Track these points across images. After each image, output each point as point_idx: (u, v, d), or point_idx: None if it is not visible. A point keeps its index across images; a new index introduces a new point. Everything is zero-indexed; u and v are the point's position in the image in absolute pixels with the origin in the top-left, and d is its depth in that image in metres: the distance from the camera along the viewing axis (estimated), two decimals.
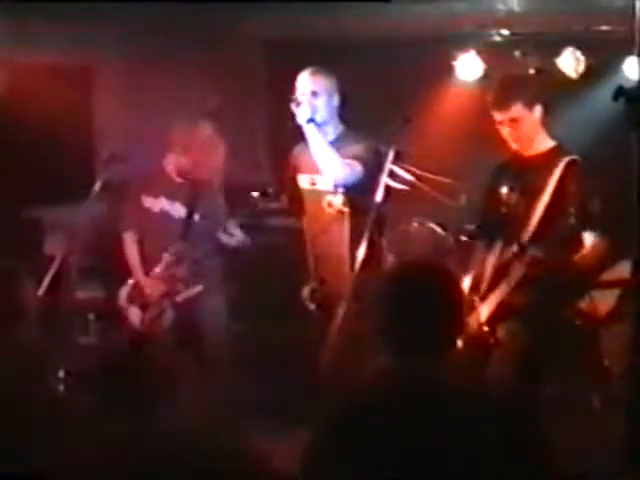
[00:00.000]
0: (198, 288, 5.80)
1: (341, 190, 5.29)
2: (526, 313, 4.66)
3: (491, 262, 4.81)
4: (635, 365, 3.48)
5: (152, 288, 5.78)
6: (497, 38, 6.83)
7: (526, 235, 4.63)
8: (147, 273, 5.83)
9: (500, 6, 6.47)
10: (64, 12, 6.15)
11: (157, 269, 5.77)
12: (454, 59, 6.96)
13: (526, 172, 4.81)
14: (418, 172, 4.93)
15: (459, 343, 4.57)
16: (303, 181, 5.51)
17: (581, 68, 6.65)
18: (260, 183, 6.66)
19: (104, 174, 5.67)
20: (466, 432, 2.71)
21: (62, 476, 2.72)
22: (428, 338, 2.88)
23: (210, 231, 5.72)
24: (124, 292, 5.90)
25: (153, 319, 5.78)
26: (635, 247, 3.28)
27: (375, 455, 2.71)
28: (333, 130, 5.39)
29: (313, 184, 5.46)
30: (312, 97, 5.32)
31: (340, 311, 5.06)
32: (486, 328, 4.66)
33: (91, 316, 6.71)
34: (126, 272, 5.97)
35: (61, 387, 5.89)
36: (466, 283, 4.77)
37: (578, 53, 6.65)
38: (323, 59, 5.64)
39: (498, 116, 4.79)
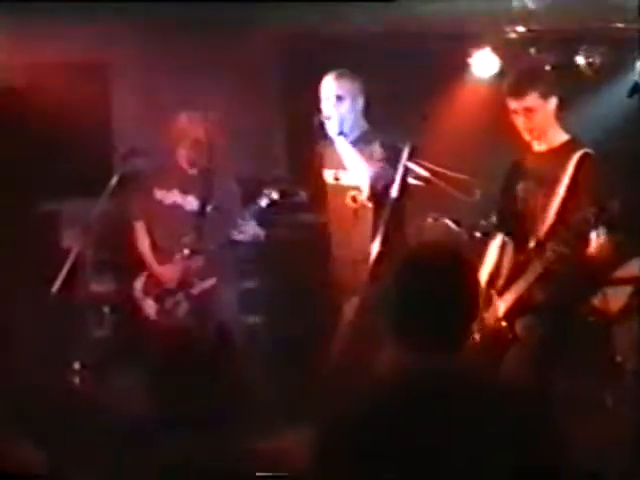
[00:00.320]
0: (212, 280, 5.82)
1: (368, 187, 5.30)
2: (543, 309, 4.68)
3: (508, 257, 4.82)
4: None
5: (167, 276, 5.79)
6: (513, 35, 6.82)
7: (543, 230, 4.64)
8: (162, 264, 5.85)
9: (516, 3, 6.46)
10: (83, 8, 6.17)
11: (171, 262, 5.78)
12: (470, 56, 6.96)
13: (541, 167, 4.83)
14: (433, 168, 4.95)
15: (477, 337, 4.62)
16: (327, 176, 5.53)
17: (596, 65, 6.64)
18: (277, 179, 6.68)
19: (121, 168, 5.70)
20: (480, 428, 2.71)
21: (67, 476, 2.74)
22: (444, 328, 2.87)
23: (224, 223, 5.72)
24: (139, 283, 5.92)
25: (168, 311, 5.80)
26: None
27: (389, 452, 2.70)
28: (358, 129, 5.41)
29: (337, 179, 5.48)
30: (337, 102, 5.31)
31: (355, 305, 5.09)
32: (504, 323, 4.68)
33: (106, 309, 6.74)
34: (141, 265, 6.00)
35: (76, 379, 5.96)
36: (483, 278, 4.78)
37: (593, 50, 6.65)
38: (339, 57, 5.65)
39: (513, 104, 4.80)
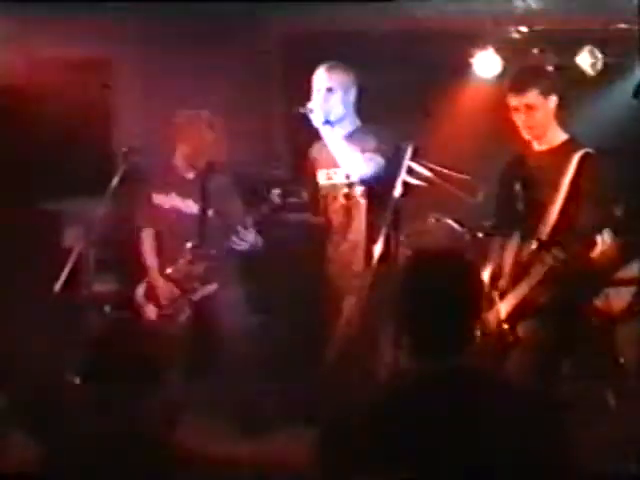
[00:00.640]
0: (214, 286, 5.78)
1: (360, 182, 5.29)
2: (545, 310, 4.67)
3: (509, 258, 4.82)
4: None
5: (166, 291, 5.77)
6: (515, 35, 6.81)
7: (544, 231, 4.63)
8: (163, 272, 5.82)
9: (518, 3, 6.45)
10: (84, 6, 6.17)
11: (172, 269, 5.76)
12: (472, 56, 6.95)
13: (540, 167, 4.83)
14: (436, 168, 4.94)
15: (478, 339, 4.61)
16: (321, 177, 5.51)
17: (599, 66, 6.63)
18: (279, 179, 6.68)
19: (123, 167, 5.68)
20: (484, 429, 2.71)
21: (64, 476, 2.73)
22: (447, 332, 2.87)
23: (226, 228, 5.68)
24: (141, 289, 5.90)
25: (169, 315, 5.78)
26: None
27: (392, 455, 2.70)
28: (350, 124, 5.39)
29: (329, 178, 5.46)
30: (327, 93, 5.29)
31: (352, 304, 5.09)
32: (506, 325, 4.67)
33: (107, 308, 6.73)
34: (142, 266, 5.98)
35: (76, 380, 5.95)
36: (485, 279, 4.77)
37: (596, 50, 6.64)
38: (341, 54, 5.63)
39: (514, 101, 4.81)
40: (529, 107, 4.78)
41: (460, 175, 5.04)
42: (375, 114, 5.57)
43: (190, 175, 5.84)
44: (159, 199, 5.88)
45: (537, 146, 4.90)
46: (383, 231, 4.82)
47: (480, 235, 5.60)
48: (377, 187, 5.19)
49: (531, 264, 4.66)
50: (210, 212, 5.75)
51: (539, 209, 4.73)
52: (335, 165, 5.37)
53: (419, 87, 6.58)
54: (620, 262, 5.58)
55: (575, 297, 4.83)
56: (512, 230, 4.88)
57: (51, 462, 2.83)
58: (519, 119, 4.84)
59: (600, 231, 4.44)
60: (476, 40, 6.89)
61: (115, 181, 5.58)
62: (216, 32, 6.99)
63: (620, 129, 6.12)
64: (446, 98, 6.96)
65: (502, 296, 4.74)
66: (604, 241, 4.45)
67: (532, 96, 4.78)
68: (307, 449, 2.93)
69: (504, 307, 4.71)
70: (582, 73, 6.63)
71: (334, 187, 5.43)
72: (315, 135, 5.39)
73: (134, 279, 6.04)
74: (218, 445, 5.12)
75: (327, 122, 5.25)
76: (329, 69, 5.35)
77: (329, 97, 5.29)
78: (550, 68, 6.33)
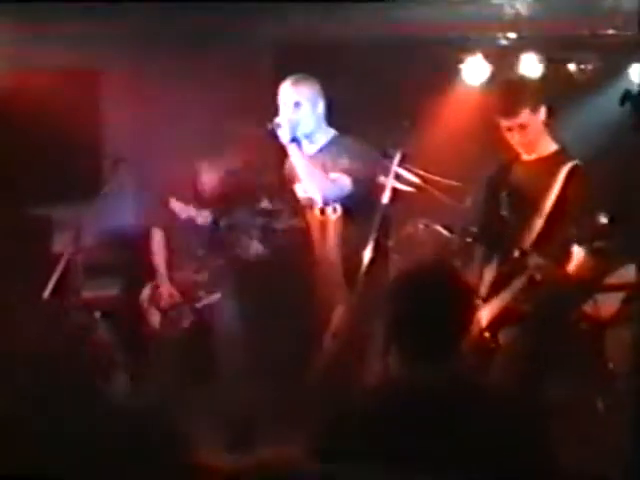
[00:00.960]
0: (217, 296, 5.81)
1: (318, 198, 5.25)
2: (529, 318, 4.67)
3: (492, 266, 4.83)
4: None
5: (172, 295, 5.79)
6: (504, 42, 6.83)
7: (528, 241, 4.64)
8: (169, 276, 5.85)
9: (507, 9, 6.46)
10: (72, 14, 6.15)
11: (179, 275, 5.79)
12: (461, 62, 6.96)
13: (528, 176, 4.83)
14: (424, 174, 4.94)
15: (462, 347, 4.61)
16: (298, 190, 5.48)
17: (588, 72, 6.65)
18: (269, 187, 6.67)
19: (112, 176, 5.69)
20: (470, 438, 2.71)
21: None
22: (435, 341, 2.88)
23: (233, 240, 5.70)
24: (146, 292, 5.91)
25: (172, 321, 5.80)
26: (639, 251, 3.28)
27: (381, 461, 2.70)
28: (323, 136, 5.31)
29: (305, 192, 5.41)
30: (295, 108, 5.21)
31: (336, 315, 5.09)
32: (487, 333, 4.67)
33: (97, 314, 6.73)
34: (148, 268, 6.01)
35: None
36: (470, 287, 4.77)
37: (585, 57, 6.66)
38: (329, 62, 5.62)
39: (506, 122, 4.80)
40: (522, 126, 4.77)
41: (448, 181, 5.06)
42: (363, 121, 5.56)
43: (206, 188, 5.87)
44: (177, 206, 5.88)
45: (526, 155, 4.90)
46: (372, 237, 4.82)
47: (469, 241, 5.60)
48: (350, 204, 5.16)
49: (513, 272, 4.66)
50: (222, 225, 5.76)
51: (524, 218, 4.73)
52: None
53: (407, 93, 6.59)
54: (609, 268, 5.60)
55: (559, 305, 4.83)
56: (496, 238, 4.89)
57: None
58: (512, 138, 4.82)
59: (583, 242, 4.42)
60: (465, 46, 6.91)
61: (106, 189, 5.58)
62: (208, 42, 6.99)
63: (608, 137, 6.14)
64: (435, 104, 6.98)
65: (484, 304, 4.74)
66: (578, 254, 4.43)
67: (524, 116, 4.77)
68: (299, 457, 2.93)
69: (486, 315, 4.71)
70: (571, 79, 6.65)
71: (310, 201, 5.40)
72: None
73: (127, 285, 6.06)
74: (216, 454, 5.10)
75: (294, 139, 5.17)
76: (295, 83, 5.24)
77: (297, 111, 5.20)
78: (538, 75, 6.36)
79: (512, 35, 6.75)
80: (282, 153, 5.39)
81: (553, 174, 4.65)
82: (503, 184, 4.92)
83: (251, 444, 5.56)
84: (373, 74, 6.77)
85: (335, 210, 5.23)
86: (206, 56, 7.00)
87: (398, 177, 4.86)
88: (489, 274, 4.81)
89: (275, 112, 5.21)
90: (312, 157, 5.25)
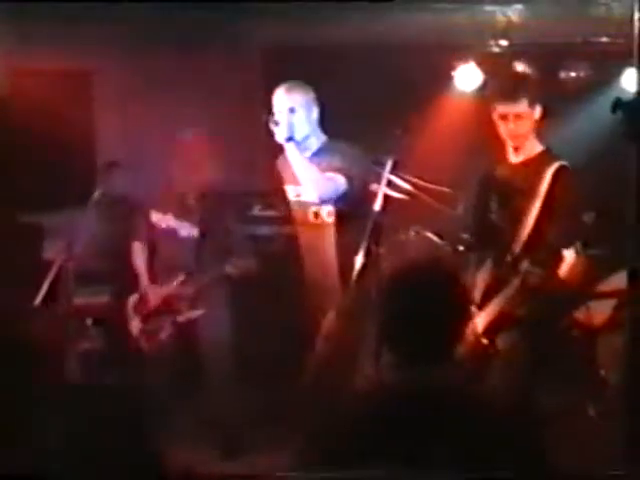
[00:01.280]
0: (200, 312, 5.73)
1: (326, 202, 5.26)
2: (523, 323, 4.68)
3: (485, 272, 4.83)
4: (631, 375, 3.49)
5: (155, 298, 5.74)
6: (496, 48, 6.84)
7: (518, 245, 4.65)
8: (153, 287, 5.80)
9: (500, 16, 6.48)
10: (66, 15, 6.15)
11: (163, 287, 5.73)
12: (453, 69, 6.97)
13: (516, 179, 4.84)
14: (416, 181, 4.94)
15: (458, 353, 4.61)
16: (289, 192, 5.48)
17: (580, 79, 6.67)
18: (259, 191, 6.67)
19: (103, 181, 5.67)
20: (462, 443, 2.71)
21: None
22: (430, 345, 2.87)
23: (219, 255, 5.64)
24: (132, 301, 5.87)
25: (151, 333, 5.75)
26: (631, 258, 3.29)
27: (373, 465, 2.70)
28: (316, 142, 5.33)
29: (298, 195, 5.41)
30: (290, 114, 5.22)
31: (329, 320, 5.09)
32: (484, 339, 4.67)
33: (88, 321, 6.72)
34: (127, 278, 5.98)
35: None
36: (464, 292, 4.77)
37: (577, 64, 6.68)
38: (321, 67, 5.62)
39: (503, 109, 4.79)
40: (518, 116, 4.78)
41: (440, 188, 5.06)
42: (355, 127, 5.56)
43: (192, 201, 5.79)
44: (156, 217, 5.84)
45: (513, 158, 4.91)
46: (363, 244, 4.82)
47: (460, 248, 5.60)
48: (345, 205, 5.17)
49: (506, 277, 4.67)
50: (207, 237, 5.71)
51: (514, 221, 4.75)
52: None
53: (400, 100, 6.59)
54: (601, 274, 5.62)
55: (554, 310, 4.85)
56: (488, 243, 4.89)
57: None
58: (504, 127, 4.83)
59: (572, 245, 4.43)
60: (457, 53, 6.92)
61: (96, 195, 5.57)
62: (200, 45, 6.99)
63: (599, 143, 6.15)
64: (427, 111, 6.99)
65: (479, 309, 4.75)
66: (570, 257, 4.44)
67: (522, 105, 4.78)
68: (290, 464, 2.93)
69: (481, 320, 4.71)
70: (563, 86, 6.66)
71: (303, 204, 5.40)
72: (280, 151, 5.36)
73: (117, 292, 6.03)
74: (201, 465, 5.09)
75: (290, 139, 5.18)
76: (288, 90, 5.27)
77: (292, 117, 5.23)
78: (534, 77, 6.36)
79: (504, 42, 6.76)
80: (273, 157, 5.42)
81: (540, 175, 4.68)
82: (492, 189, 4.93)
83: (238, 452, 5.58)
84: (365, 82, 6.77)
85: (330, 213, 5.25)
86: (200, 61, 7.02)
87: (390, 184, 4.87)
88: (483, 280, 4.82)
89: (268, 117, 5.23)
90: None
